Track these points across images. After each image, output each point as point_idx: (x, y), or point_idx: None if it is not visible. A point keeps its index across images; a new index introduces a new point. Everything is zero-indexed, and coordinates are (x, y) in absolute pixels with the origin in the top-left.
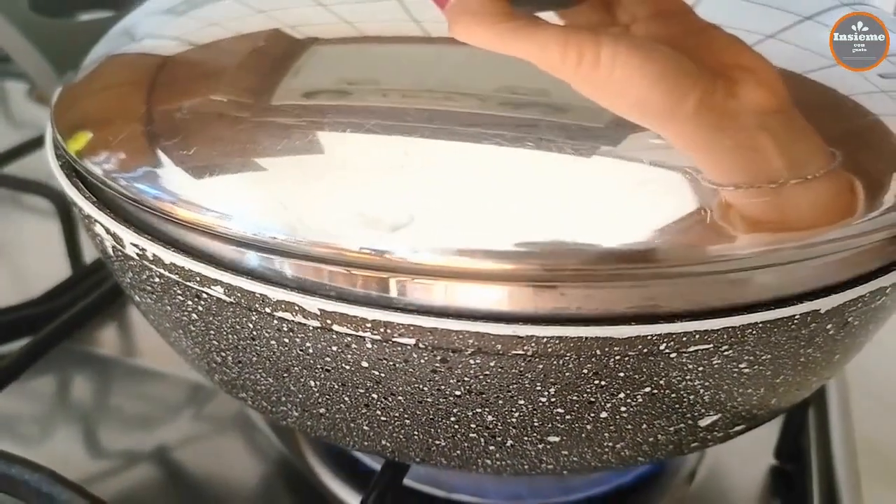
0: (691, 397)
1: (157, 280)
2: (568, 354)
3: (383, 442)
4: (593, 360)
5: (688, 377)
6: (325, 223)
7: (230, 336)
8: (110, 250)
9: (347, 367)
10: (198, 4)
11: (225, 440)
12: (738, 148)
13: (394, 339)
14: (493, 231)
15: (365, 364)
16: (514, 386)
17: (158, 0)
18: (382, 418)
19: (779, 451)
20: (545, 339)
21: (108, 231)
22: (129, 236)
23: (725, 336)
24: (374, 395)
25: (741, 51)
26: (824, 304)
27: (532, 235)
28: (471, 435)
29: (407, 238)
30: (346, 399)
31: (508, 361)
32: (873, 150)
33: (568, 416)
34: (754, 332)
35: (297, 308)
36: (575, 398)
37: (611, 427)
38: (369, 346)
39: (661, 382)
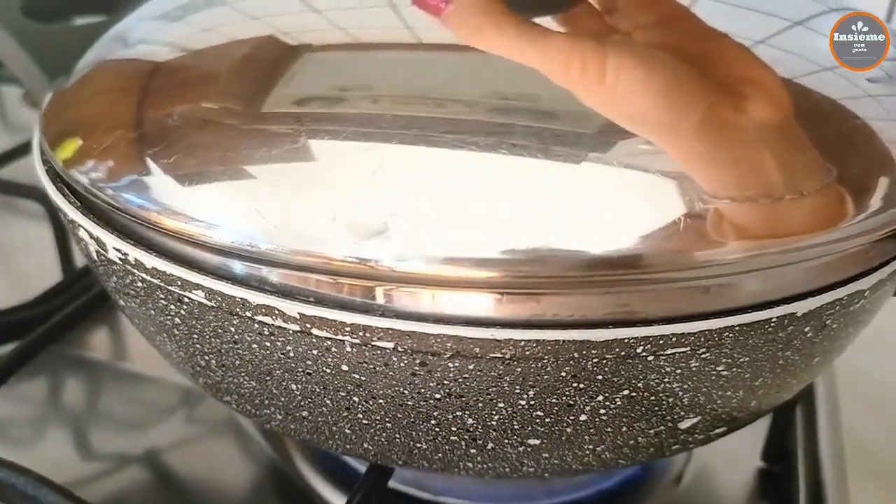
0: (670, 400)
1: (139, 284)
2: (546, 357)
3: (365, 445)
4: (571, 363)
5: (666, 380)
6: (303, 231)
7: (213, 340)
8: (94, 255)
9: (328, 371)
10: (192, 10)
11: (214, 444)
12: (737, 162)
13: (373, 343)
14: (471, 239)
15: (345, 367)
16: (494, 389)
17: (152, 5)
18: (364, 421)
19: (766, 453)
20: (523, 343)
21: (91, 236)
22: (111, 241)
23: (702, 339)
24: (356, 399)
25: (747, 61)
26: (801, 307)
27: (509, 243)
28: (451, 438)
29: (386, 245)
30: (328, 402)
31: (487, 365)
32: (858, 154)
33: (547, 419)
34: (731, 335)
35: (276, 312)
36: (554, 401)
37: (591, 429)
38: (349, 349)
39: (640, 385)
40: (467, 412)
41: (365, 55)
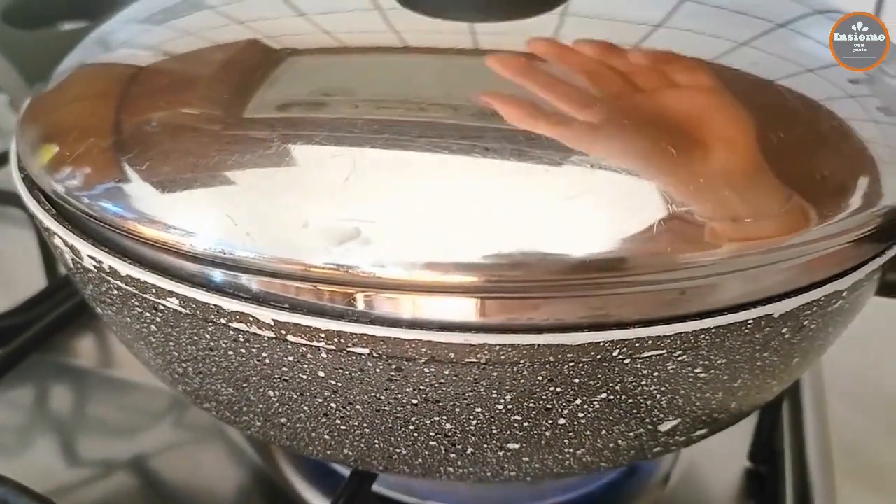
0: (648, 402)
1: (115, 292)
2: (522, 362)
3: (345, 451)
4: (547, 366)
5: (643, 382)
6: (275, 237)
7: (189, 347)
8: (70, 263)
9: (304, 377)
10: (176, 14)
11: (200, 450)
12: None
13: (348, 349)
14: (445, 243)
15: (321, 374)
16: (470, 394)
17: (135, 8)
18: (342, 427)
19: (752, 454)
20: (498, 347)
21: (66, 244)
22: (86, 249)
23: (679, 341)
24: (333, 405)
25: (715, 113)
26: (778, 308)
27: (483, 247)
28: (430, 443)
29: (359, 251)
30: (306, 408)
31: (463, 370)
32: (837, 154)
33: (526, 423)
34: (708, 337)
35: (251, 319)
36: (531, 405)
37: (570, 433)
38: (324, 355)
39: (617, 388)
40: (445, 417)
41: (350, 59)
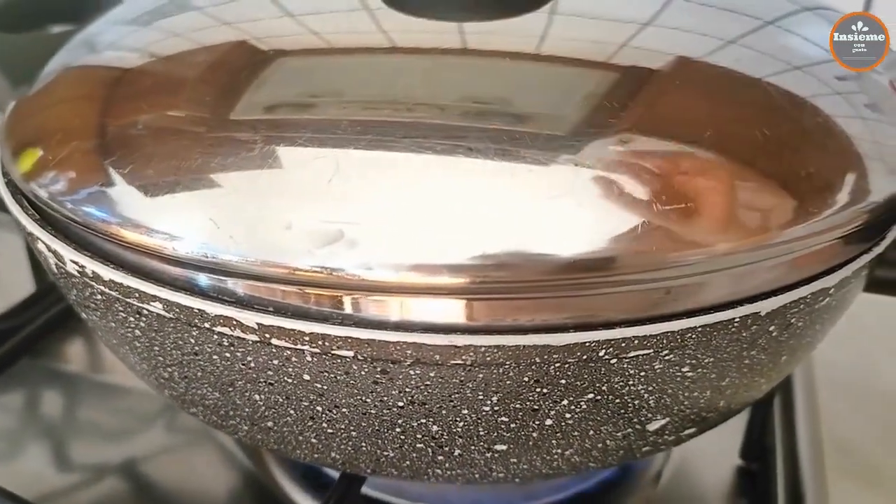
0: (636, 402)
1: (99, 297)
2: (507, 363)
3: (332, 454)
4: (533, 367)
5: (630, 382)
6: (258, 240)
7: (174, 352)
8: (54, 268)
9: (290, 381)
10: (163, 15)
11: (191, 454)
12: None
13: (333, 352)
14: (428, 245)
15: (307, 377)
16: (457, 396)
17: (122, 9)
18: (329, 430)
19: (744, 451)
20: (483, 349)
21: (49, 248)
22: (68, 254)
23: (665, 341)
24: (319, 408)
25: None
26: (764, 306)
27: (466, 248)
28: (418, 445)
29: (343, 253)
30: (292, 412)
31: (448, 371)
32: (823, 151)
33: (513, 425)
34: (694, 336)
35: (235, 323)
36: (518, 406)
37: (557, 434)
38: (309, 359)
39: (604, 388)
40: (431, 419)
41: (335, 60)
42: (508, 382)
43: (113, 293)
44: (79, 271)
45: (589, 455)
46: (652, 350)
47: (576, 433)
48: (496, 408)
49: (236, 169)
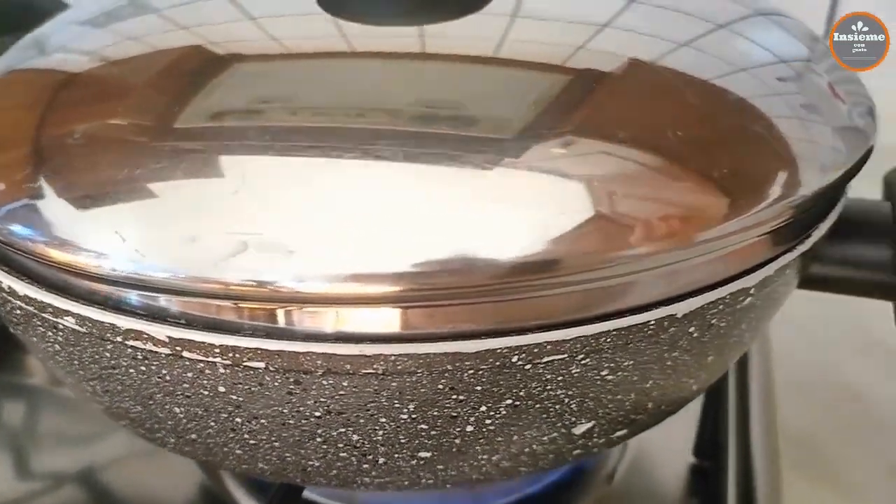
0: (557, 406)
1: (18, 312)
2: (419, 371)
3: (259, 465)
4: (446, 375)
5: (548, 387)
6: (164, 253)
7: (92, 366)
8: None
9: (206, 393)
10: (119, 17)
11: (148, 463)
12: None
13: (244, 364)
14: (336, 253)
15: (222, 389)
16: (372, 404)
17: (77, 11)
18: (252, 441)
19: (697, 448)
20: (393, 357)
21: None
22: None
23: (579, 345)
24: (238, 419)
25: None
26: (681, 308)
27: (373, 256)
28: (341, 454)
29: (250, 264)
30: (213, 424)
31: (361, 381)
32: (755, 150)
33: (433, 432)
34: (609, 339)
35: (146, 336)
36: (436, 413)
37: (480, 440)
38: (222, 371)
39: (522, 394)
40: (350, 428)
41: (294, 65)
42: (423, 390)
43: (29, 308)
44: None
45: (517, 460)
46: (566, 355)
47: (500, 438)
48: (414, 415)
49: (161, 180)
